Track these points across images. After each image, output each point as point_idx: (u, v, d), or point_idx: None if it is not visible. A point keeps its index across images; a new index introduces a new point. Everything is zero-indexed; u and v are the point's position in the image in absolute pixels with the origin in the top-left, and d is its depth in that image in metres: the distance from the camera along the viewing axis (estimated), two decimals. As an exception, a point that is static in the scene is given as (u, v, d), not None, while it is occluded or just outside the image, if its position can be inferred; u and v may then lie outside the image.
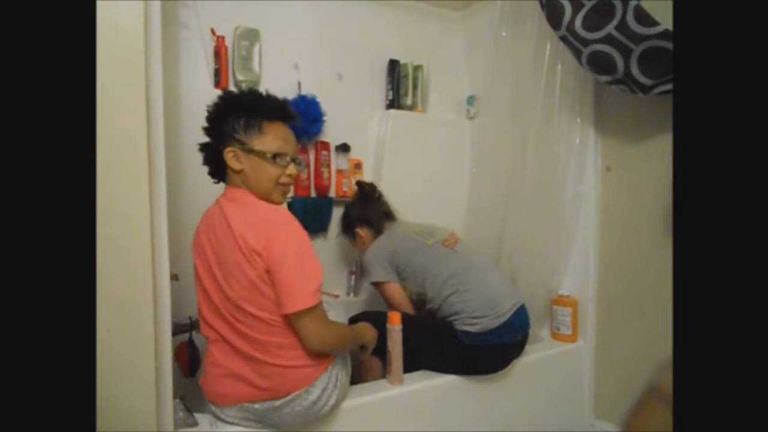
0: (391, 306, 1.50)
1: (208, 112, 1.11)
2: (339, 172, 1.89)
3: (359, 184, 1.73)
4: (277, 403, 1.05)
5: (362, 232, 1.64)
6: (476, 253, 1.55)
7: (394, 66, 1.98)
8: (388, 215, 1.67)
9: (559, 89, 1.65)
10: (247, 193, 1.09)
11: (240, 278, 1.01)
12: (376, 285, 1.54)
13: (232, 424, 1.08)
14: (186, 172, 1.54)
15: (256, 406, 1.05)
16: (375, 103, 2.01)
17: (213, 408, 1.11)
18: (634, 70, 1.33)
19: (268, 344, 1.03)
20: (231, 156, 1.07)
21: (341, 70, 1.92)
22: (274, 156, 1.07)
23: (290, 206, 1.76)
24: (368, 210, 1.65)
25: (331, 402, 1.11)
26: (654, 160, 1.50)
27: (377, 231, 1.63)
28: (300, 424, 1.09)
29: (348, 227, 1.68)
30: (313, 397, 1.07)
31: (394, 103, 1.98)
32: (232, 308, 1.03)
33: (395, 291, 1.52)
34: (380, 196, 1.70)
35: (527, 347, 1.51)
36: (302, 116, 1.74)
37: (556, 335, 1.73)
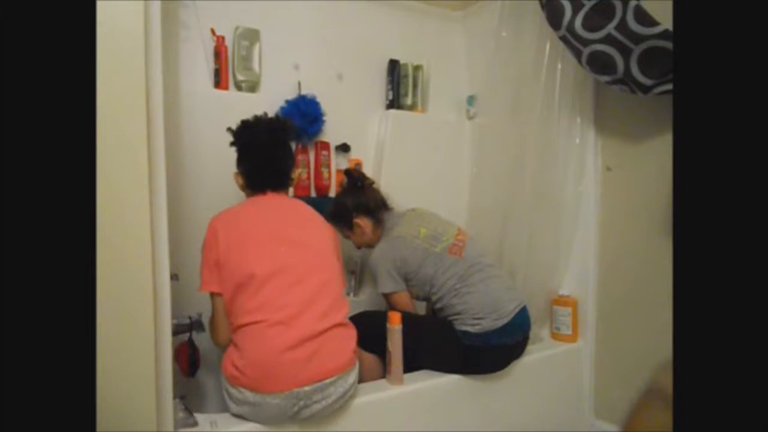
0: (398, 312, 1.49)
1: (292, 128, 1.40)
2: (339, 172, 1.89)
3: (348, 172, 1.66)
4: (328, 380, 1.10)
5: (361, 221, 1.56)
6: (483, 257, 1.50)
7: (394, 66, 1.98)
8: (383, 204, 1.62)
9: (559, 89, 1.65)
10: None
11: (331, 259, 1.25)
12: (386, 295, 1.51)
13: (264, 415, 1.09)
14: (186, 172, 1.54)
15: (306, 388, 1.07)
16: (375, 103, 2.00)
17: (251, 395, 1.07)
18: (634, 70, 1.33)
19: (343, 313, 1.20)
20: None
21: (341, 70, 1.92)
22: None
23: (290, 206, 1.76)
24: (364, 198, 1.58)
25: (355, 391, 1.21)
26: (654, 160, 1.50)
27: (377, 220, 1.57)
28: (327, 413, 1.13)
29: (343, 218, 1.57)
30: (351, 379, 1.17)
31: (394, 103, 1.98)
32: (327, 274, 1.20)
33: (404, 299, 1.49)
34: (372, 183, 1.65)
35: (527, 347, 1.51)
36: (302, 116, 1.74)
37: (556, 335, 1.73)
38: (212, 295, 1.17)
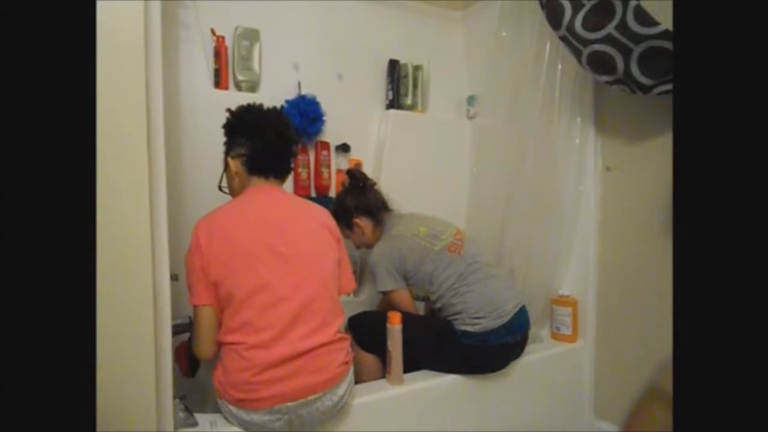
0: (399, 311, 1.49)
1: (290, 124, 1.32)
2: (339, 172, 1.89)
3: (350, 172, 1.67)
4: (312, 397, 1.07)
5: (361, 221, 1.57)
6: (481, 256, 1.51)
7: (394, 66, 1.98)
8: (384, 205, 1.63)
9: (559, 89, 1.65)
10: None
11: (330, 257, 1.19)
12: (385, 293, 1.51)
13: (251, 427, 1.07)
14: (186, 172, 1.54)
15: (289, 404, 1.05)
16: (375, 103, 2.01)
17: (235, 410, 1.06)
18: (634, 70, 1.33)
19: (332, 330, 1.12)
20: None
21: (341, 70, 1.92)
22: None
23: (290, 206, 1.76)
24: (365, 198, 1.59)
25: (349, 399, 1.18)
26: (654, 160, 1.50)
27: (377, 221, 1.58)
28: (318, 423, 1.11)
29: (344, 217, 1.56)
30: (341, 392, 1.12)
31: (394, 103, 1.98)
32: (316, 290, 1.10)
33: (404, 297, 1.49)
34: (373, 184, 1.65)
35: (527, 347, 1.51)
36: (302, 116, 1.74)
37: (556, 335, 1.73)
38: (198, 306, 1.08)
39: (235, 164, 1.22)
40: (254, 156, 1.21)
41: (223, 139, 1.29)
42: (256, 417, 1.06)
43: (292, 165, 1.29)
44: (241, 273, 1.06)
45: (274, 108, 1.28)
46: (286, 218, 1.17)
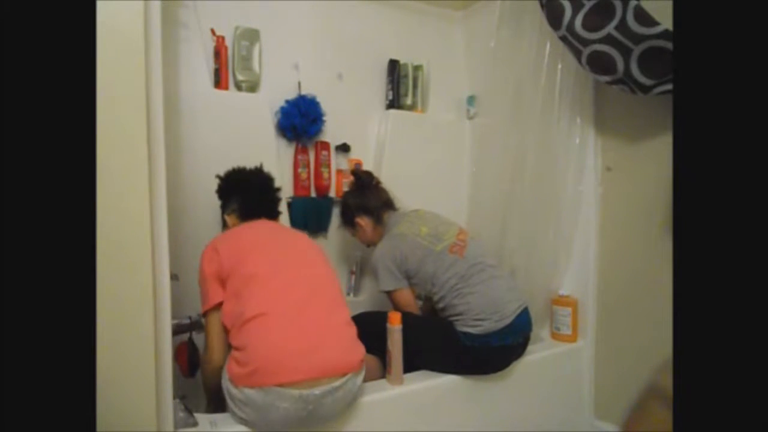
0: (400, 310, 1.48)
1: (271, 177, 1.46)
2: (339, 172, 1.89)
3: (355, 172, 1.71)
4: (337, 383, 1.09)
5: (362, 221, 1.61)
6: (485, 257, 1.50)
7: (394, 66, 1.98)
8: (387, 204, 1.65)
9: (559, 89, 1.65)
10: None
11: (324, 266, 1.29)
12: (387, 293, 1.52)
13: (271, 411, 1.03)
14: (186, 172, 1.54)
15: (316, 392, 1.04)
16: (375, 103, 2.01)
17: (257, 395, 1.03)
18: (634, 70, 1.33)
19: (344, 314, 1.21)
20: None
21: (341, 70, 1.92)
22: None
23: (290, 206, 1.76)
24: (367, 198, 1.63)
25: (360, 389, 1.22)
26: (654, 160, 1.50)
27: (377, 220, 1.61)
28: (335, 414, 1.13)
29: (347, 217, 1.66)
30: (360, 379, 1.18)
31: (394, 103, 1.98)
32: (321, 274, 1.24)
33: (406, 296, 1.50)
34: (378, 183, 1.68)
35: (528, 347, 1.51)
36: (302, 116, 1.74)
37: (556, 335, 1.73)
38: (210, 312, 1.18)
39: (231, 219, 1.39)
40: (244, 206, 1.38)
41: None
42: (281, 405, 1.02)
43: (280, 210, 1.46)
44: (261, 259, 1.18)
45: (256, 167, 1.45)
46: (285, 235, 1.34)
